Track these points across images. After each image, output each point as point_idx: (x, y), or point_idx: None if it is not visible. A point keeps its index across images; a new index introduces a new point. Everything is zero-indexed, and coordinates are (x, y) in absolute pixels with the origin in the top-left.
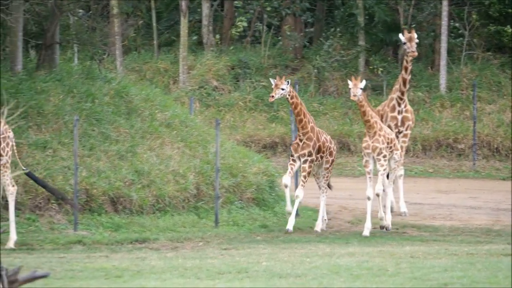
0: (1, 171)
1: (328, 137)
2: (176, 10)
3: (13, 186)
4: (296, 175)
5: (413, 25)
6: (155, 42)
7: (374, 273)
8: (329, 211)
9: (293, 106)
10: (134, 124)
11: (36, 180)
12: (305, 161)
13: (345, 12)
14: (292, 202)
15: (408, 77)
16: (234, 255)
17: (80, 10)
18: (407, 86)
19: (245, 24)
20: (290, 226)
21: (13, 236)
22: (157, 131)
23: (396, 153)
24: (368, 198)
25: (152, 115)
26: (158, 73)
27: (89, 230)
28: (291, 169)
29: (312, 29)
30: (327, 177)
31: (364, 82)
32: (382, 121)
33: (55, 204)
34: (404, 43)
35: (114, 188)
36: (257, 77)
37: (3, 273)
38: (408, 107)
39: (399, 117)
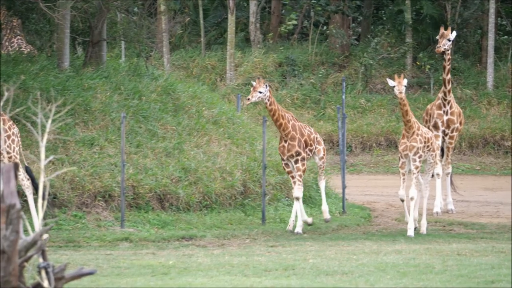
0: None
1: (312, 129)
2: (223, 7)
3: (28, 179)
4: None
5: (458, 23)
6: (202, 39)
7: (420, 270)
8: (376, 208)
9: (271, 113)
10: (181, 121)
11: (33, 179)
12: (296, 161)
13: (393, 9)
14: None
15: (447, 77)
16: (281, 252)
17: (136, 9)
18: (448, 86)
19: (295, 22)
20: (299, 228)
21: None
22: (204, 128)
23: (431, 155)
24: (412, 198)
25: (199, 112)
26: (205, 70)
27: (136, 227)
28: (292, 177)
29: (359, 27)
30: (323, 167)
31: (406, 80)
32: (429, 119)
33: (101, 201)
34: (437, 40)
35: (161, 185)
36: (304, 74)
37: (50, 270)
38: (455, 108)
39: (445, 118)
